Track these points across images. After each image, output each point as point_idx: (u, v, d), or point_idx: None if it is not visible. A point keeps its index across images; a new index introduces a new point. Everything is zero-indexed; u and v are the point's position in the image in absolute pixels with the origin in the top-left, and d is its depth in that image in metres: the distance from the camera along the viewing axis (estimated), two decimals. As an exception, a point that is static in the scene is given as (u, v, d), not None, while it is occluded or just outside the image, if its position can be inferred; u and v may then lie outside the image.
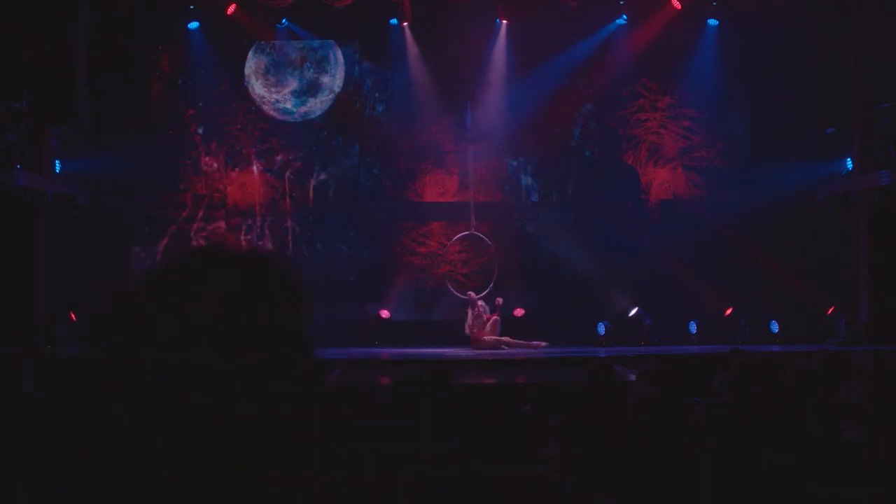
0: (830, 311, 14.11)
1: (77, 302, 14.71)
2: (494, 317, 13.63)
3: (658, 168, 15.58)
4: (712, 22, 15.27)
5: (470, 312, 13.73)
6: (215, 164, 15.74)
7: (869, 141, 13.75)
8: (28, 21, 13.70)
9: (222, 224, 15.75)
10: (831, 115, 14.53)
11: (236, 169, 15.76)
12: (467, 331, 13.67)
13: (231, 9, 15.14)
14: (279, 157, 15.74)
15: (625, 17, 15.29)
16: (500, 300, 13.76)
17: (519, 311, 15.34)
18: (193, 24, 15.40)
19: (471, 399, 7.17)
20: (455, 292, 14.46)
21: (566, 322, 15.38)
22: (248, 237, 15.75)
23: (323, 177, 15.68)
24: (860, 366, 5.77)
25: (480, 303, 13.85)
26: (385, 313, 15.32)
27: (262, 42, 15.70)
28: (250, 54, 15.69)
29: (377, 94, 15.65)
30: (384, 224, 15.67)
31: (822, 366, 6.14)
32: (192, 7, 15.24)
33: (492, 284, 14.29)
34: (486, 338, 13.43)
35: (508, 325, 15.26)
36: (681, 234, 15.07)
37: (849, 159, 14.45)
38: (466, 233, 14.99)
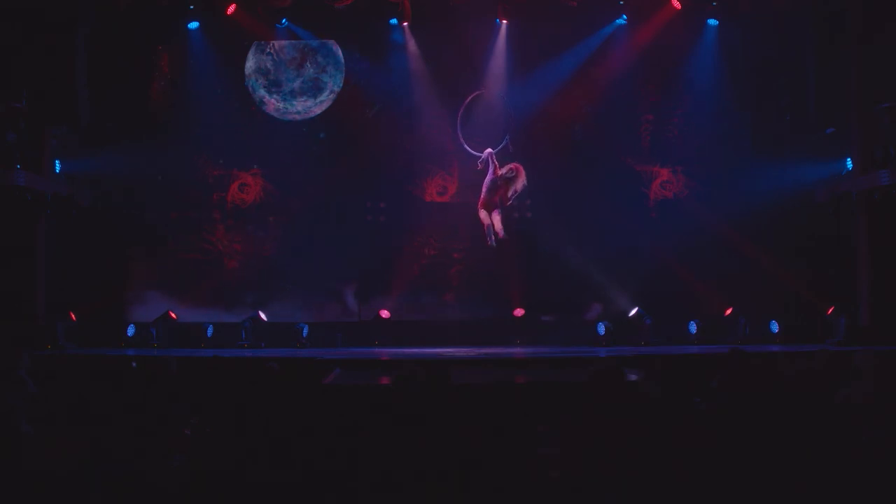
0: (830, 311, 14.10)
1: (77, 302, 14.71)
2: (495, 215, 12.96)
3: (658, 167, 15.57)
4: (712, 22, 15.26)
5: (489, 174, 12.93)
6: (215, 164, 15.72)
7: (869, 141, 13.75)
8: (28, 21, 13.70)
9: (221, 224, 15.73)
10: (831, 115, 14.51)
11: (236, 169, 15.75)
12: (483, 192, 12.97)
13: (231, 9, 15.14)
14: (279, 157, 15.72)
15: (625, 16, 15.29)
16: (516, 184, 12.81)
17: (519, 311, 15.34)
18: (193, 24, 15.40)
19: (469, 400, 7.16)
20: (470, 150, 13.38)
21: (565, 321, 15.38)
22: (248, 237, 15.74)
23: (323, 176, 15.65)
24: (860, 366, 5.78)
25: (497, 165, 12.89)
26: (385, 313, 15.32)
27: (262, 42, 15.69)
28: (250, 54, 15.69)
29: (377, 94, 15.62)
30: (384, 224, 15.66)
31: (822, 366, 6.14)
32: (192, 7, 15.25)
33: (507, 137, 13.40)
34: (482, 211, 12.90)
35: (507, 326, 15.30)
36: (681, 234, 15.05)
37: (849, 159, 14.44)
38: (477, 93, 14.48)
